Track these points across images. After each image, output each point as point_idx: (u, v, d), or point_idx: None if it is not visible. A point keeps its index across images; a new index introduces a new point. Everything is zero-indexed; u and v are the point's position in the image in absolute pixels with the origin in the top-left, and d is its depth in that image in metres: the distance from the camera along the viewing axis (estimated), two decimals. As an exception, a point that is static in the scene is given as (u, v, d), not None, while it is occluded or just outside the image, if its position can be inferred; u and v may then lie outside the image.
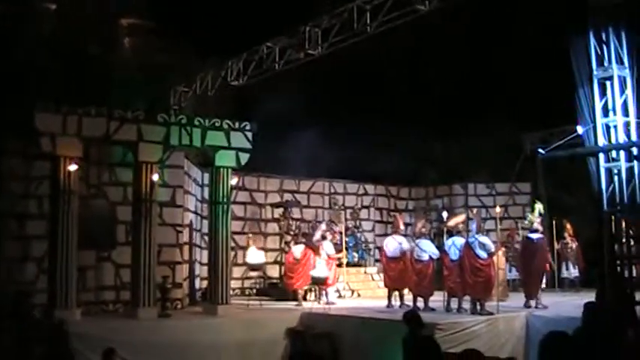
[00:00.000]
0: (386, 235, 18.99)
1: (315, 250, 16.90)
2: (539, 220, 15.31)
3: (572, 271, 20.10)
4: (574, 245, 20.06)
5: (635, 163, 11.17)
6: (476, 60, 20.57)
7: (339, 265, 17.54)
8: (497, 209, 15.98)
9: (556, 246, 20.07)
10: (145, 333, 13.15)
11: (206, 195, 17.30)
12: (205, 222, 17.42)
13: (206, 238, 17.06)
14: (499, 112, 20.79)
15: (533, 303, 14.63)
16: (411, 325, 8.64)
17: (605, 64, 11.39)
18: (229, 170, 15.63)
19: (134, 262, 14.48)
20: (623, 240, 11.26)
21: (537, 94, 19.13)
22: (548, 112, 18.21)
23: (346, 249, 18.89)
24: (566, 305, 14.00)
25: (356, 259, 20.30)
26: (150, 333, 13.20)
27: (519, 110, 20.52)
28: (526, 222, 15.24)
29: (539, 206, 15.75)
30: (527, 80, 19.74)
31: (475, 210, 17.57)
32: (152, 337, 13.03)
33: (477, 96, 21.29)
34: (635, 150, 11.21)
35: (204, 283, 17.07)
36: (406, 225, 22.55)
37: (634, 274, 11.33)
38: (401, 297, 15.90)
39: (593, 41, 11.43)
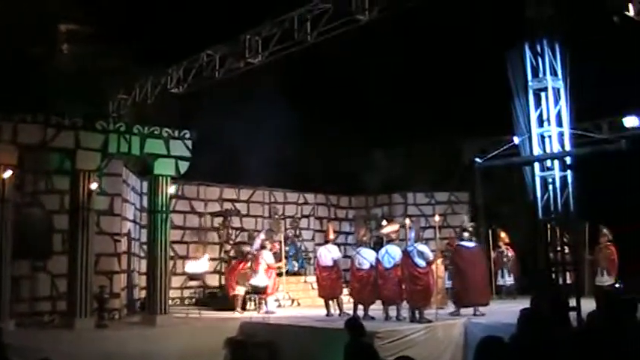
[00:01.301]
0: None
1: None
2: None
3: (508, 279, 20.42)
4: (510, 254, 20.39)
5: (569, 172, 11.42)
6: (416, 69, 20.77)
7: (279, 274, 17.53)
8: (437, 218, 16.16)
9: (492, 254, 20.42)
10: (82, 344, 12.91)
11: (145, 204, 17.15)
12: (144, 231, 17.22)
13: (145, 247, 16.89)
14: (439, 122, 21.02)
15: (470, 310, 14.77)
16: (353, 332, 8.67)
17: (540, 75, 11.63)
18: (168, 179, 15.50)
19: (70, 271, 14.19)
20: (558, 247, 11.48)
21: (477, 104, 19.39)
22: (488, 122, 18.48)
23: (286, 258, 18.90)
24: (503, 312, 14.19)
25: (296, 268, 20.32)
26: (87, 344, 12.96)
27: (459, 120, 20.77)
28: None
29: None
30: (467, 90, 20.01)
31: (413, 219, 17.69)
32: (89, 347, 12.79)
33: (417, 105, 21.48)
34: (568, 159, 11.46)
35: (143, 293, 16.86)
36: (346, 234, 22.75)
37: (568, 280, 11.54)
38: (339, 306, 15.95)
39: (528, 53, 11.67)
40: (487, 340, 4.84)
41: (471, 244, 15.75)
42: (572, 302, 11.18)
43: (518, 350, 7.18)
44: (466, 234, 15.84)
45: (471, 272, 14.98)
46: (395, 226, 16.00)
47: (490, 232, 20.46)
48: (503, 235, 20.42)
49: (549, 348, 6.73)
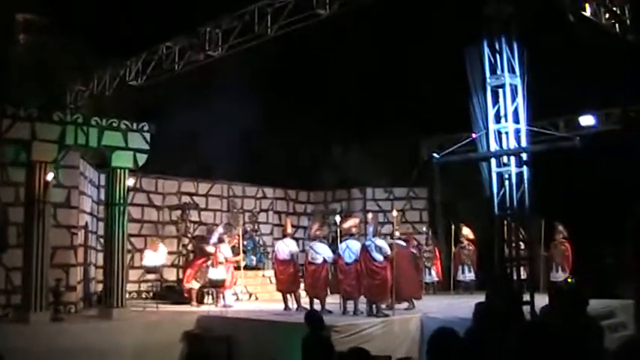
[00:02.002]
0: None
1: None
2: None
3: (468, 275, 20.63)
4: (471, 249, 20.59)
5: (525, 168, 11.59)
6: (375, 66, 20.84)
7: (237, 268, 17.52)
8: (395, 213, 16.28)
9: (453, 249, 20.63)
10: (37, 338, 12.76)
11: (103, 196, 16.99)
12: (101, 224, 17.07)
13: (102, 240, 16.76)
14: (398, 119, 21.13)
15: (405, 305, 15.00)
16: (312, 326, 8.71)
17: (498, 72, 11.77)
18: (126, 171, 15.38)
19: (26, 264, 13.99)
20: (513, 243, 11.64)
21: (436, 101, 19.52)
22: (446, 119, 18.63)
23: (244, 252, 18.90)
24: (460, 307, 14.34)
25: (254, 263, 20.30)
26: (42, 338, 12.81)
27: (418, 117, 20.90)
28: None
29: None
30: (426, 87, 20.13)
31: (372, 214, 17.77)
32: (44, 342, 12.65)
33: (376, 102, 21.57)
34: (524, 155, 11.62)
35: (100, 287, 16.72)
36: (305, 228, 22.78)
37: (523, 275, 11.71)
38: (297, 300, 15.98)
39: (487, 50, 11.80)
40: (440, 332, 4.90)
41: (403, 243, 16.16)
42: (527, 297, 11.39)
43: (472, 344, 7.29)
44: (397, 233, 16.12)
45: (403, 269, 15.11)
46: (355, 220, 16.06)
47: (452, 227, 20.65)
48: (466, 231, 20.59)
49: (502, 341, 6.84)
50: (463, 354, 5.07)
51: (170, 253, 20.00)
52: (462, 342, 4.71)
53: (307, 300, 15.56)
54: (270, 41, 14.24)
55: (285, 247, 15.99)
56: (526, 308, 10.96)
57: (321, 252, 15.28)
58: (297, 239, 19.91)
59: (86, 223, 17.09)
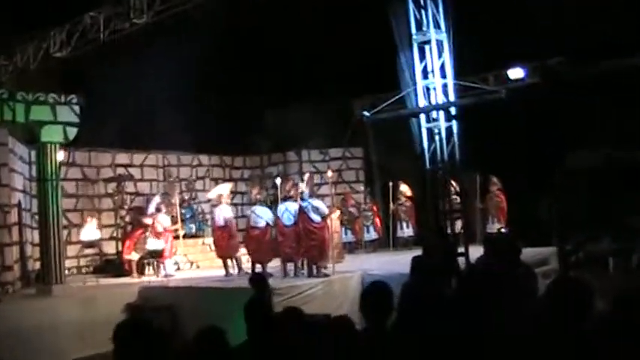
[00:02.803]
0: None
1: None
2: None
3: (407, 231, 20.87)
4: (408, 205, 20.80)
5: (454, 122, 11.75)
6: (305, 27, 20.76)
7: (176, 238, 17.45)
8: (330, 173, 16.40)
9: (391, 207, 20.83)
10: (-27, 320, 12.59)
11: (34, 173, 16.68)
12: (35, 201, 16.80)
13: (37, 217, 16.49)
14: (330, 80, 21.11)
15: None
16: (257, 288, 8.74)
17: (424, 28, 11.86)
18: (57, 146, 15.12)
19: (-42, 246, 13.79)
20: (446, 196, 11.84)
21: (366, 60, 19.55)
22: (377, 77, 18.69)
23: (183, 221, 18.82)
24: (400, 263, 14.49)
25: (193, 231, 20.22)
26: (-22, 320, 12.65)
27: (350, 77, 20.90)
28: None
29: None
30: (355, 46, 20.13)
31: (308, 175, 17.80)
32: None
33: (307, 64, 21.51)
34: (453, 110, 11.79)
35: (38, 265, 16.49)
36: (242, 194, 22.76)
37: (457, 228, 11.93)
38: (238, 265, 16.01)
39: (412, 6, 11.86)
40: (371, 287, 5.00)
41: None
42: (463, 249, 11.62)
43: (409, 297, 7.44)
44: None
45: None
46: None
47: (390, 185, 20.81)
48: (404, 188, 20.78)
49: (438, 293, 6.99)
50: (397, 307, 5.19)
51: (108, 225, 19.84)
52: (393, 295, 4.79)
53: (249, 265, 15.63)
54: (197, 7, 14.06)
55: (220, 213, 15.99)
56: (462, 260, 11.19)
57: (263, 215, 15.33)
58: (235, 205, 19.95)
59: (19, 201, 16.76)
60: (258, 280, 9.16)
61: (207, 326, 4.71)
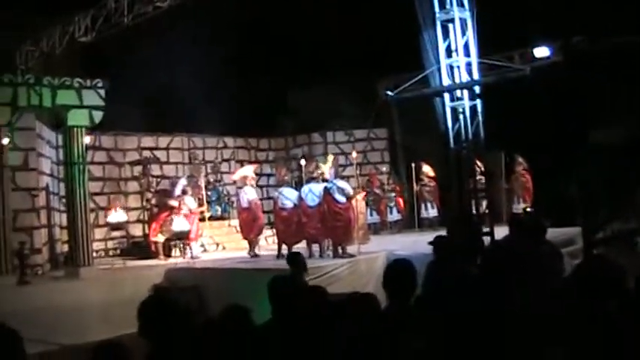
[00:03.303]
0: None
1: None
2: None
3: (431, 212, 20.86)
4: (432, 185, 20.76)
5: (478, 101, 11.68)
6: (329, 8, 20.70)
7: (202, 220, 17.55)
8: (354, 154, 16.38)
9: (415, 188, 20.81)
10: (4, 301, 12.69)
11: (62, 157, 16.84)
12: (63, 185, 16.96)
13: (64, 201, 16.66)
14: (354, 61, 21.06)
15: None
16: (295, 266, 8.80)
17: (447, 6, 11.78)
18: (83, 129, 15.25)
19: (-13, 229, 13.97)
20: (471, 176, 11.80)
21: (390, 40, 19.45)
22: (402, 57, 18.60)
23: (208, 203, 18.93)
24: (424, 244, 14.45)
25: (219, 213, 20.34)
26: (9, 301, 12.72)
27: (374, 58, 20.84)
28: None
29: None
30: (378, 27, 20.04)
31: (332, 156, 17.78)
32: (11, 305, 12.55)
33: (330, 45, 21.46)
34: (477, 88, 11.71)
35: (66, 247, 16.67)
36: (268, 176, 22.83)
37: (482, 207, 11.88)
38: (252, 247, 16.05)
39: (435, -16, 11.81)
40: (394, 264, 5.01)
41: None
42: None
43: (432, 276, 7.45)
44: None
45: None
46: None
47: (413, 166, 20.77)
48: (426, 168, 20.74)
49: (463, 272, 6.98)
50: (421, 286, 5.20)
51: (134, 208, 20.01)
52: (416, 273, 4.80)
53: (271, 247, 15.71)
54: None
55: (245, 195, 16.06)
56: (487, 239, 11.14)
57: (290, 197, 15.35)
58: (260, 187, 20.01)
59: (47, 184, 16.95)
60: (295, 258, 9.20)
61: (231, 305, 4.74)
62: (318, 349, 4.75)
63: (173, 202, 17.28)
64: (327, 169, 14.96)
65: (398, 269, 4.86)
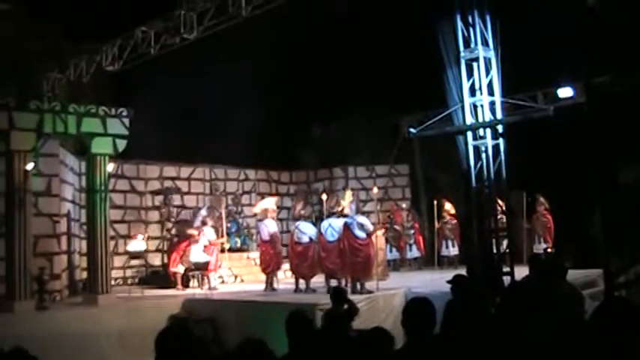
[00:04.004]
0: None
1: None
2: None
3: (452, 249, 20.74)
4: (453, 223, 20.68)
5: (501, 140, 11.66)
6: (355, 44, 20.85)
7: (222, 251, 17.56)
8: (375, 190, 16.34)
9: (436, 225, 20.73)
10: (22, 326, 12.74)
11: (84, 184, 16.94)
12: (84, 211, 17.05)
13: (85, 227, 16.73)
14: (378, 97, 21.18)
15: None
16: (337, 301, 8.85)
17: (472, 45, 11.81)
18: (106, 157, 15.34)
19: (8, 254, 13.98)
20: (492, 215, 11.74)
21: (415, 77, 19.54)
22: (426, 95, 18.69)
23: (228, 234, 18.93)
24: (443, 281, 14.35)
25: (238, 245, 20.33)
26: (27, 326, 12.79)
27: (398, 94, 20.93)
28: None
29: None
30: (403, 65, 20.16)
31: (351, 191, 17.73)
32: (29, 330, 12.61)
33: (354, 81, 21.58)
34: (500, 127, 11.69)
35: (85, 274, 16.72)
36: (288, 209, 22.81)
37: (503, 247, 11.80)
38: (270, 279, 15.99)
39: (459, 23, 11.82)
40: (413, 301, 4.98)
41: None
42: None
43: (451, 314, 7.39)
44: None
45: None
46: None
47: (435, 203, 20.72)
48: (448, 206, 20.69)
49: (479, 309, 6.93)
50: (440, 324, 5.16)
51: (154, 238, 20.06)
52: (434, 311, 4.77)
53: (293, 280, 15.65)
54: (245, 22, 14.20)
55: (265, 228, 16.05)
56: (507, 279, 11.08)
57: (307, 231, 15.31)
58: (280, 220, 19.98)
59: (68, 211, 17.06)
60: (336, 293, 9.25)
61: (249, 337, 4.73)
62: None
63: (192, 231, 17.30)
64: (346, 204, 14.93)
65: (417, 307, 4.84)
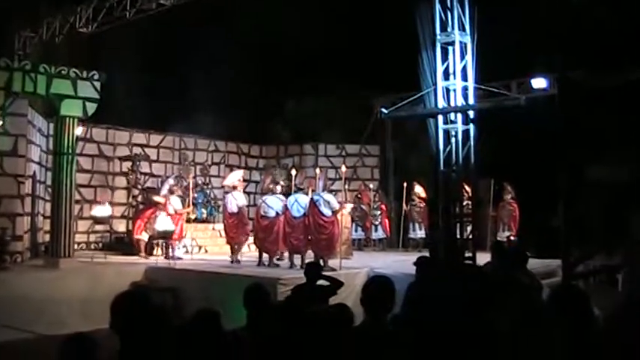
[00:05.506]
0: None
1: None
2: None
3: (419, 232, 20.82)
4: (422, 206, 20.73)
5: (471, 125, 11.68)
6: (332, 23, 20.77)
7: (187, 221, 17.50)
8: (343, 168, 16.36)
9: (404, 208, 20.80)
10: (-20, 286, 12.68)
11: (52, 146, 16.77)
12: (50, 174, 16.88)
13: (50, 190, 16.58)
14: (353, 77, 21.14)
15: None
16: (308, 275, 8.84)
17: (449, 29, 11.80)
18: (75, 120, 15.16)
19: (-30, 213, 13.90)
20: (458, 200, 11.80)
21: (390, 59, 19.53)
22: (401, 78, 18.69)
23: (195, 205, 18.87)
24: (407, 263, 14.44)
25: (204, 216, 20.27)
26: (-15, 286, 12.74)
27: (373, 75, 20.90)
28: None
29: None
30: (379, 45, 20.11)
31: (320, 169, 17.73)
32: (-13, 290, 12.58)
33: (331, 59, 21.53)
34: (471, 113, 11.71)
35: (48, 237, 16.58)
36: (256, 183, 22.82)
37: (466, 232, 11.86)
38: (234, 251, 16.00)
39: (438, 6, 11.80)
40: (372, 280, 5.02)
41: None
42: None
43: (413, 295, 7.45)
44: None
45: None
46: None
47: (405, 185, 20.77)
48: (418, 189, 20.72)
49: (443, 293, 6.98)
50: (401, 305, 5.20)
51: (120, 204, 19.95)
52: (394, 291, 4.79)
53: (256, 253, 15.66)
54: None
55: (233, 200, 16.00)
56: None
57: (273, 206, 15.29)
58: (248, 193, 19.97)
59: (34, 172, 16.90)
60: (310, 268, 9.26)
61: (204, 308, 4.74)
62: (287, 358, 4.75)
63: (158, 199, 17.22)
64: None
65: (376, 285, 4.86)
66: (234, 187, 16.21)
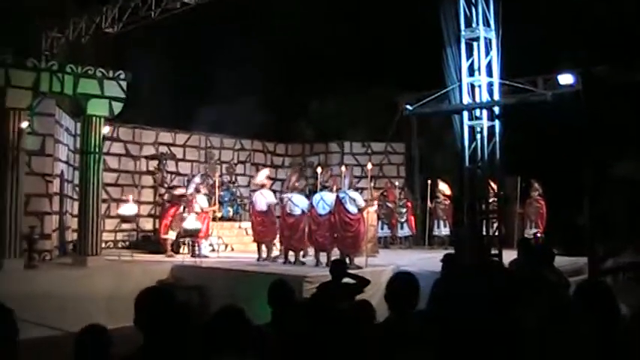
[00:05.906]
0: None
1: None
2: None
3: (443, 230, 20.74)
4: (447, 204, 20.65)
5: (497, 122, 11.60)
6: (355, 21, 20.75)
7: (214, 219, 17.56)
8: (369, 166, 16.32)
9: (429, 205, 20.72)
10: (11, 284, 12.74)
11: (79, 145, 16.90)
12: (78, 173, 17.02)
13: (77, 189, 16.72)
14: (378, 74, 21.10)
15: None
16: (334, 273, 8.85)
17: (473, 25, 11.73)
18: (102, 120, 15.32)
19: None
20: (483, 197, 11.72)
21: (416, 57, 19.46)
22: (427, 75, 18.62)
23: (221, 203, 18.93)
24: (433, 261, 14.41)
25: (231, 214, 20.34)
26: (16, 284, 12.80)
27: (398, 72, 20.84)
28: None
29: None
30: (404, 42, 20.05)
31: (345, 167, 17.71)
32: (18, 288, 12.61)
33: (356, 57, 21.51)
34: (496, 109, 11.64)
35: (76, 235, 16.71)
36: (282, 181, 22.80)
37: (492, 229, 11.79)
38: (269, 250, 15.99)
39: (462, 2, 11.73)
40: (396, 276, 4.99)
41: None
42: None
43: (439, 292, 7.41)
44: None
45: None
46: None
47: (429, 182, 20.70)
48: (443, 186, 20.63)
49: (468, 290, 6.94)
50: (427, 302, 5.17)
51: (146, 202, 20.07)
52: (418, 287, 4.77)
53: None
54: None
55: (263, 198, 16.03)
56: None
57: (299, 204, 15.29)
58: (274, 191, 19.99)
59: (62, 171, 17.04)
60: (335, 265, 9.26)
61: (227, 305, 4.74)
62: (311, 354, 4.74)
63: (180, 191, 17.34)
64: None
65: (401, 281, 4.84)
66: (263, 186, 16.23)
